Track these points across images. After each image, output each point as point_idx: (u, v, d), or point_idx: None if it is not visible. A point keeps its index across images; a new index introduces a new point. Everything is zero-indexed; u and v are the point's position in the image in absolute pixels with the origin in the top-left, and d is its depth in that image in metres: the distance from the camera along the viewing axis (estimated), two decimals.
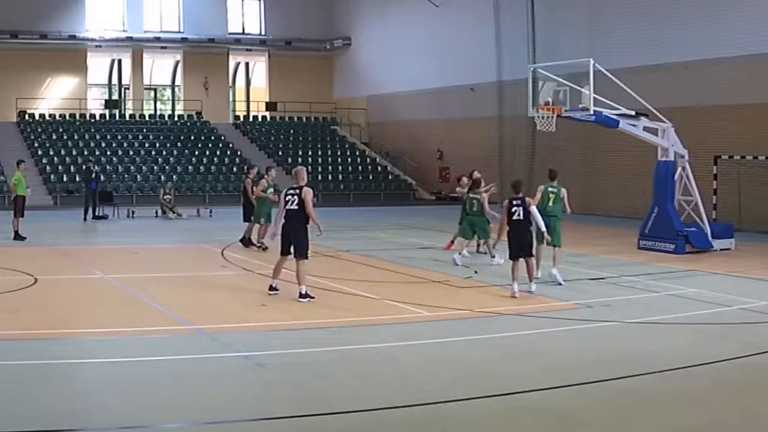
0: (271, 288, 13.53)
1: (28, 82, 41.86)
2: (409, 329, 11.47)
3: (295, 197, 13.05)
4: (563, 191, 15.61)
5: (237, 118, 46.89)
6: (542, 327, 11.67)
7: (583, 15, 32.49)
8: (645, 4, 29.61)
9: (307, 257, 13.16)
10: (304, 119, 46.57)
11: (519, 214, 13.24)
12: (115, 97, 45.60)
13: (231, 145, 42.11)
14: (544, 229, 14.12)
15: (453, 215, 21.28)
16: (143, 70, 45.59)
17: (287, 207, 13.12)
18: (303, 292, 13.01)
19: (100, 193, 29.27)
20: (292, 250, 13.16)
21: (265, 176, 20.03)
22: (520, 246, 13.66)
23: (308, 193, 13.06)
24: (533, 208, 13.24)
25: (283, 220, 13.26)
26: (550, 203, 15.50)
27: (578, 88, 19.92)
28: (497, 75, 36.37)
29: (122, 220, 28.40)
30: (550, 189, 15.66)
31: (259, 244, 19.36)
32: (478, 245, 18.88)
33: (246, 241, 19.87)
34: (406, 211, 32.87)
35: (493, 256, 17.38)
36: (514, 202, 13.37)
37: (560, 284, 14.75)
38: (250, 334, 11.06)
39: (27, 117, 41.26)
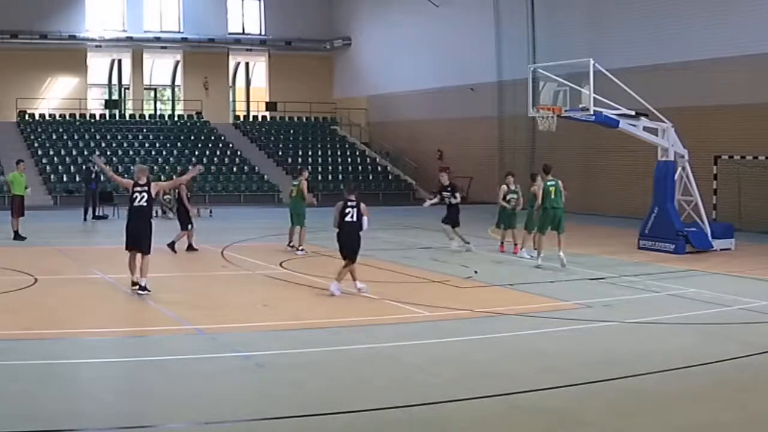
0: (134, 284, 13.64)
1: (28, 82, 41.82)
2: (409, 329, 11.47)
3: (144, 194, 13.65)
4: (560, 182, 17.16)
5: (237, 118, 46.87)
6: (542, 327, 11.67)
7: (583, 15, 32.46)
8: (645, 4, 29.59)
9: (150, 252, 13.60)
10: (304, 119, 46.55)
11: (352, 216, 13.58)
12: (115, 97, 45.56)
13: (231, 145, 42.09)
14: (366, 227, 13.99)
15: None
16: (143, 70, 45.54)
17: (136, 204, 13.65)
18: (143, 285, 13.29)
19: (100, 193, 29.25)
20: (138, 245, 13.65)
21: (305, 178, 19.60)
22: (352, 248, 13.73)
23: (155, 186, 14.04)
24: (364, 217, 13.64)
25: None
26: (552, 196, 16.88)
27: (578, 88, 19.94)
28: (497, 75, 36.35)
29: (122, 220, 28.13)
30: (549, 183, 16.97)
31: (301, 248, 18.97)
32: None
33: (189, 247, 19.11)
34: (406, 211, 32.83)
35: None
36: (349, 203, 13.63)
37: (563, 265, 16.59)
38: (250, 334, 11.05)
39: (27, 117, 41.23)
